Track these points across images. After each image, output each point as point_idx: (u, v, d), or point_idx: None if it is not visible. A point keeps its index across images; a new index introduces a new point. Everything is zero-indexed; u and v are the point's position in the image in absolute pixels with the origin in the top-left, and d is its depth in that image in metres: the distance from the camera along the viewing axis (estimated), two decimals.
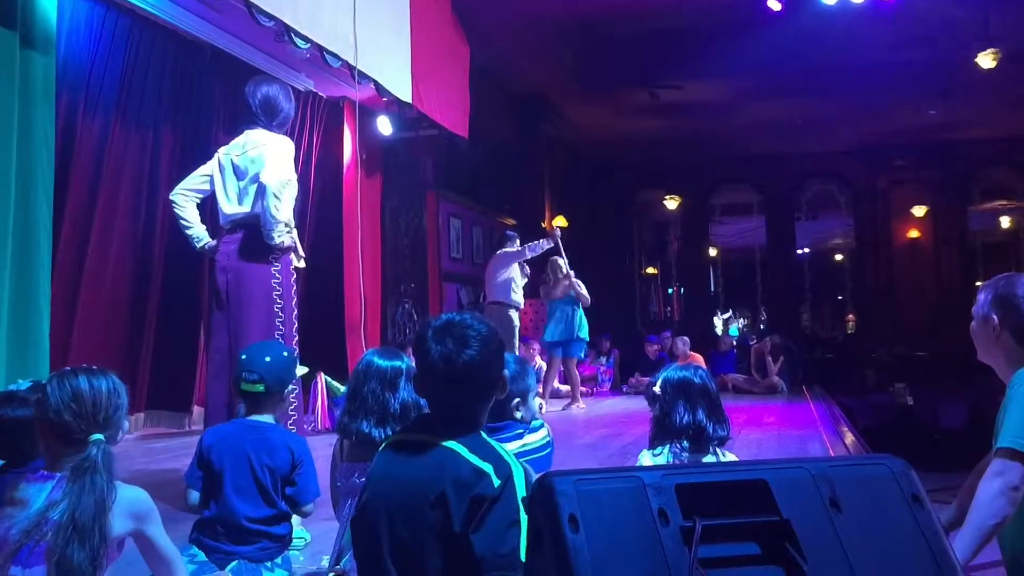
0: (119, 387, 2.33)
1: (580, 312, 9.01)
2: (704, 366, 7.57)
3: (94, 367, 2.35)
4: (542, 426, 2.76)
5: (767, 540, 1.55)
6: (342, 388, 6.76)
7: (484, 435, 1.95)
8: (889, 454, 1.74)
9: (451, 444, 1.89)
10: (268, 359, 3.02)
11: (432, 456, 1.88)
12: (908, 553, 1.56)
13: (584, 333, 9.06)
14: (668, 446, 2.72)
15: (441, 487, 1.82)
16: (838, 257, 20.13)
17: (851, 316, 18.44)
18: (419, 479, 1.86)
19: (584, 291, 9.03)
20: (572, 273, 9.08)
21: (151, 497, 2.34)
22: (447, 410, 1.98)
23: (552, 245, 8.94)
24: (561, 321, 8.94)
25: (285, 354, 3.16)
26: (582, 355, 9.27)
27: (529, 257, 9.05)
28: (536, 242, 9.00)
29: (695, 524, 1.49)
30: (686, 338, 12.24)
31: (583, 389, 11.32)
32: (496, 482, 1.82)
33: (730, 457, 2.83)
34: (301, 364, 4.63)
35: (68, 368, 2.33)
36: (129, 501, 2.25)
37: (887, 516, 1.59)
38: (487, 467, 1.84)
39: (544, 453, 2.66)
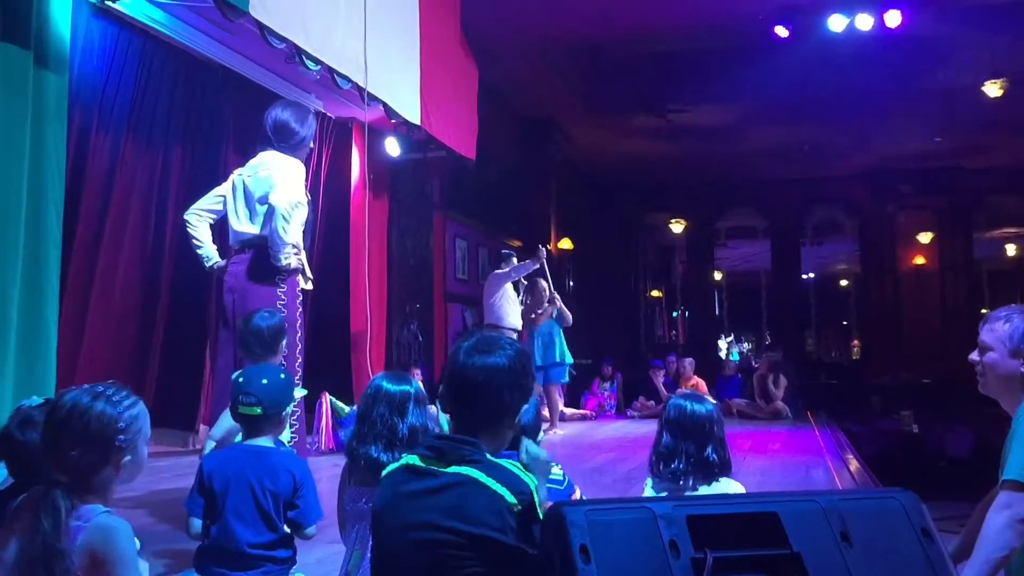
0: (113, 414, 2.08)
1: (561, 336, 8.96)
2: (704, 391, 7.51)
3: (110, 390, 2.11)
4: (555, 464, 2.77)
5: (778, 573, 1.55)
6: (347, 409, 6.76)
7: (490, 456, 1.96)
8: (899, 487, 1.75)
9: (467, 471, 1.90)
10: (265, 381, 3.01)
11: (449, 489, 1.90)
12: None
13: (567, 357, 9.00)
14: (664, 475, 2.75)
15: (469, 526, 1.83)
16: (843, 282, 20.16)
17: (856, 342, 18.43)
18: (440, 515, 1.87)
19: (566, 310, 9.00)
20: (557, 297, 9.05)
21: (133, 529, 2.05)
22: (461, 422, 2.01)
23: (538, 265, 8.87)
24: (544, 345, 8.86)
25: (282, 376, 3.15)
26: (564, 379, 9.19)
27: (515, 278, 9.00)
28: (524, 263, 8.96)
29: (706, 556, 1.49)
30: (691, 359, 12.29)
31: (590, 413, 11.34)
32: (516, 502, 1.85)
33: (734, 486, 2.84)
34: (305, 385, 4.67)
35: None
36: (90, 536, 1.97)
37: (897, 549, 1.60)
38: (503, 491, 1.86)
39: (562, 487, 2.66)
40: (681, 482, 2.72)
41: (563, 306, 8.99)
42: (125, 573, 1.97)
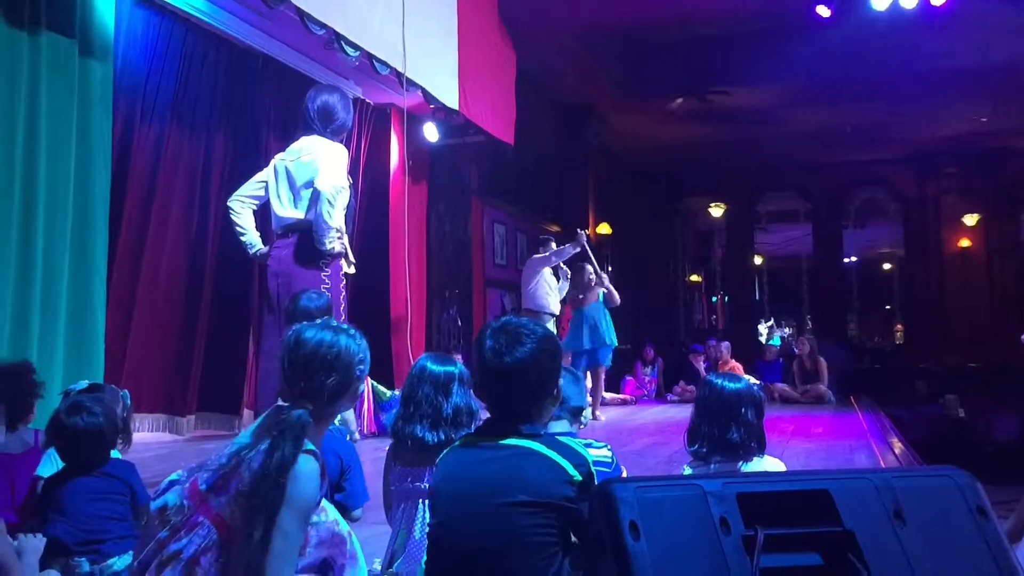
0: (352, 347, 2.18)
1: (609, 318, 8.86)
2: (742, 374, 7.41)
3: (344, 324, 2.24)
4: (605, 445, 2.79)
5: (830, 551, 1.53)
6: (388, 393, 6.80)
7: (546, 433, 2.03)
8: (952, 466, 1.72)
9: (526, 443, 1.96)
10: None
11: (511, 459, 1.95)
12: (974, 566, 1.54)
13: (613, 339, 8.88)
14: (694, 455, 2.76)
15: (535, 494, 1.88)
16: (887, 266, 19.88)
17: (900, 326, 18.18)
18: (498, 482, 1.92)
19: (615, 291, 8.91)
20: (605, 277, 8.95)
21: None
22: (503, 409, 2.05)
23: (579, 249, 8.77)
24: (591, 328, 8.76)
25: None
26: (609, 362, 9.10)
27: (556, 262, 8.91)
28: (564, 247, 8.85)
29: (757, 533, 1.48)
30: (727, 343, 12.22)
31: (630, 398, 11.32)
32: (575, 474, 1.91)
33: (772, 464, 2.83)
34: None
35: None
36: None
37: (952, 528, 1.57)
38: (564, 462, 1.91)
39: (610, 469, 2.67)
40: (708, 463, 2.73)
41: (611, 287, 8.88)
42: (290, 515, 1.99)
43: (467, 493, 1.96)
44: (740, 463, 2.74)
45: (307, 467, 2.05)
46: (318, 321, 2.26)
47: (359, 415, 6.70)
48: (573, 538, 1.92)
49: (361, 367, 2.21)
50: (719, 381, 2.86)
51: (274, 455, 1.98)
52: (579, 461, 1.93)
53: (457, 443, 2.12)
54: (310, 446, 2.08)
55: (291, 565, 2.02)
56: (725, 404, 2.78)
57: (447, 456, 2.10)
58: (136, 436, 4.46)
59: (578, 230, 8.89)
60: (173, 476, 2.13)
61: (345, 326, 2.24)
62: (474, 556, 1.91)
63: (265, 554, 1.93)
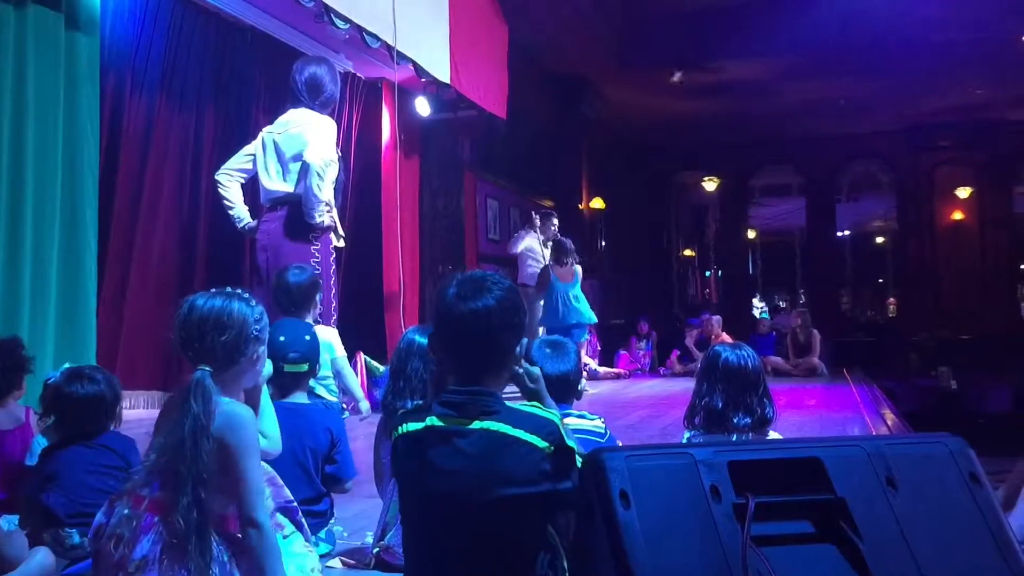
0: (243, 313, 2.17)
1: (582, 295, 8.84)
2: None
3: (238, 290, 2.24)
4: (597, 417, 2.77)
5: (821, 518, 1.53)
6: (381, 368, 6.79)
7: (508, 404, 1.90)
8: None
9: (492, 425, 1.85)
10: (308, 338, 3.06)
11: (479, 449, 1.84)
12: (967, 532, 1.53)
13: (589, 316, 8.84)
14: (724, 428, 2.73)
15: (503, 488, 1.80)
16: (880, 239, 19.88)
17: (892, 300, 18.22)
18: (474, 479, 1.82)
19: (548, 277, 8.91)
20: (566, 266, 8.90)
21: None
22: (460, 370, 1.93)
23: (532, 232, 8.91)
24: (567, 304, 8.71)
25: (314, 332, 3.23)
26: (583, 339, 9.08)
27: (512, 250, 9.15)
28: (518, 232, 9.11)
29: (748, 501, 1.47)
30: (718, 317, 12.21)
31: (623, 372, 11.35)
32: (547, 445, 1.82)
33: (771, 435, 2.82)
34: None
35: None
36: (218, 422, 2.04)
37: (945, 495, 1.57)
38: (533, 439, 1.82)
39: (603, 440, 2.65)
40: (735, 435, 2.70)
41: (553, 273, 8.80)
42: (248, 461, 2.06)
43: (438, 494, 1.85)
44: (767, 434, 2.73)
45: (242, 410, 2.11)
46: (211, 290, 2.22)
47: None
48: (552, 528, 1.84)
49: (257, 327, 2.20)
50: (746, 352, 2.82)
51: (189, 416, 2.00)
52: (548, 430, 1.82)
53: (420, 426, 1.92)
54: (231, 402, 2.10)
55: (263, 498, 2.08)
56: (757, 376, 2.76)
57: (409, 444, 1.93)
58: (131, 413, 4.45)
59: (532, 212, 9.02)
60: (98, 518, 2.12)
61: (239, 291, 2.23)
62: (456, 555, 1.83)
63: (201, 516, 1.95)
